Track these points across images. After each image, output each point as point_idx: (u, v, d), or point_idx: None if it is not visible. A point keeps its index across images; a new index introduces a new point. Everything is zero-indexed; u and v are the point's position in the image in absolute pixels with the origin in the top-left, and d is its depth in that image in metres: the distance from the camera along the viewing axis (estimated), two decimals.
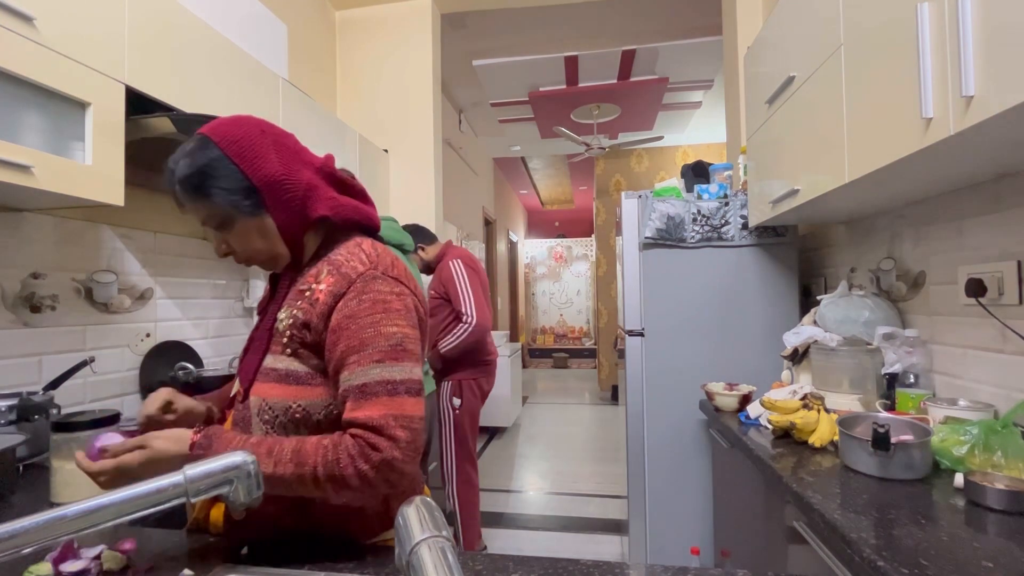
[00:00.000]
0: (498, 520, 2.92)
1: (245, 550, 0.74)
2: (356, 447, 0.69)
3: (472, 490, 2.38)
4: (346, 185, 0.85)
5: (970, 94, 0.78)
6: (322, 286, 0.76)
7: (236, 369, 1.76)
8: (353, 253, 0.79)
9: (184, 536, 0.79)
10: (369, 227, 0.86)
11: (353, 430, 0.70)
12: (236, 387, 0.82)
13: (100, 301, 1.50)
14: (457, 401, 2.33)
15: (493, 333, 2.66)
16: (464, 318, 2.24)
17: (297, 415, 0.75)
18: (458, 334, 2.25)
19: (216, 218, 0.76)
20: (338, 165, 0.87)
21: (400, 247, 2.08)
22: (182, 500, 0.54)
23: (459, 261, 2.33)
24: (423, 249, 2.43)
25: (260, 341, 0.80)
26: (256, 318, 0.90)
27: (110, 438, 0.72)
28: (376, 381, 0.71)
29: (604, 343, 6.19)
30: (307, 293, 0.77)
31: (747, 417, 1.50)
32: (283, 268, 0.83)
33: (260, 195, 0.76)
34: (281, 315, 0.78)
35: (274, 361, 0.77)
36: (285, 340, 0.76)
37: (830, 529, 0.84)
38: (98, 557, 0.69)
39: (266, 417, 0.75)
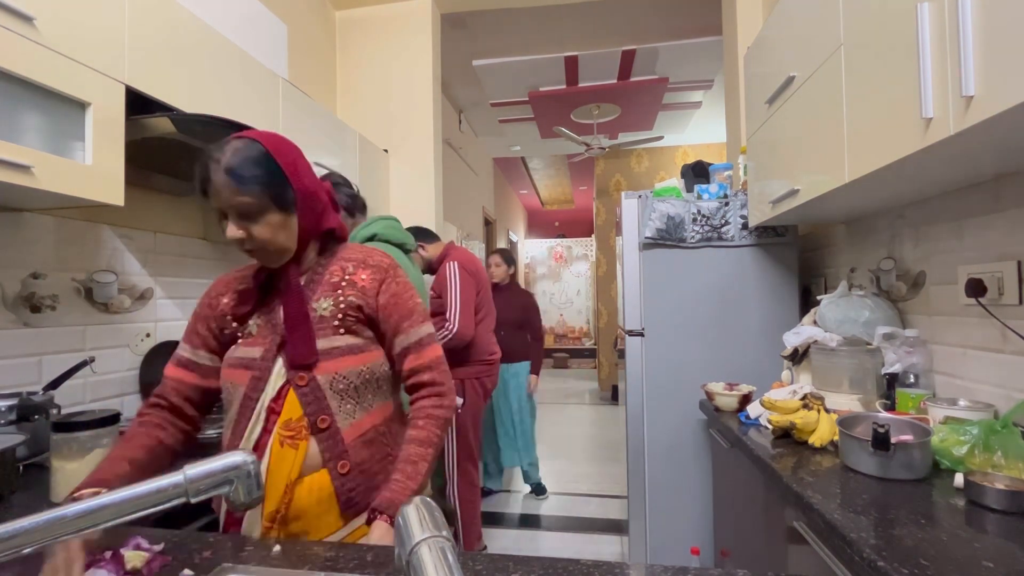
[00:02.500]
0: (498, 520, 2.93)
1: (278, 548, 0.75)
2: (430, 401, 0.95)
3: (473, 489, 2.38)
4: (335, 205, 1.05)
5: (970, 94, 0.78)
6: (363, 275, 0.96)
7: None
8: (367, 252, 0.99)
9: (184, 535, 0.79)
10: (344, 239, 1.05)
11: (418, 378, 0.95)
12: (284, 377, 0.89)
13: (100, 301, 1.50)
14: (460, 400, 2.33)
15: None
16: (447, 325, 2.24)
17: (365, 376, 0.93)
18: (439, 336, 2.25)
19: (252, 206, 0.85)
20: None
21: (401, 246, 2.08)
22: (182, 500, 0.54)
23: (456, 265, 2.32)
24: (423, 247, 2.42)
25: (304, 329, 0.90)
26: (231, 321, 0.95)
27: None
28: (426, 335, 0.98)
29: (604, 343, 6.18)
30: (344, 284, 0.94)
31: (747, 417, 1.50)
32: (281, 265, 0.93)
33: (295, 197, 0.90)
34: (324, 304, 0.92)
35: (331, 341, 0.91)
36: (337, 323, 0.91)
37: (830, 529, 0.84)
38: (120, 560, 0.68)
39: (340, 387, 0.90)
